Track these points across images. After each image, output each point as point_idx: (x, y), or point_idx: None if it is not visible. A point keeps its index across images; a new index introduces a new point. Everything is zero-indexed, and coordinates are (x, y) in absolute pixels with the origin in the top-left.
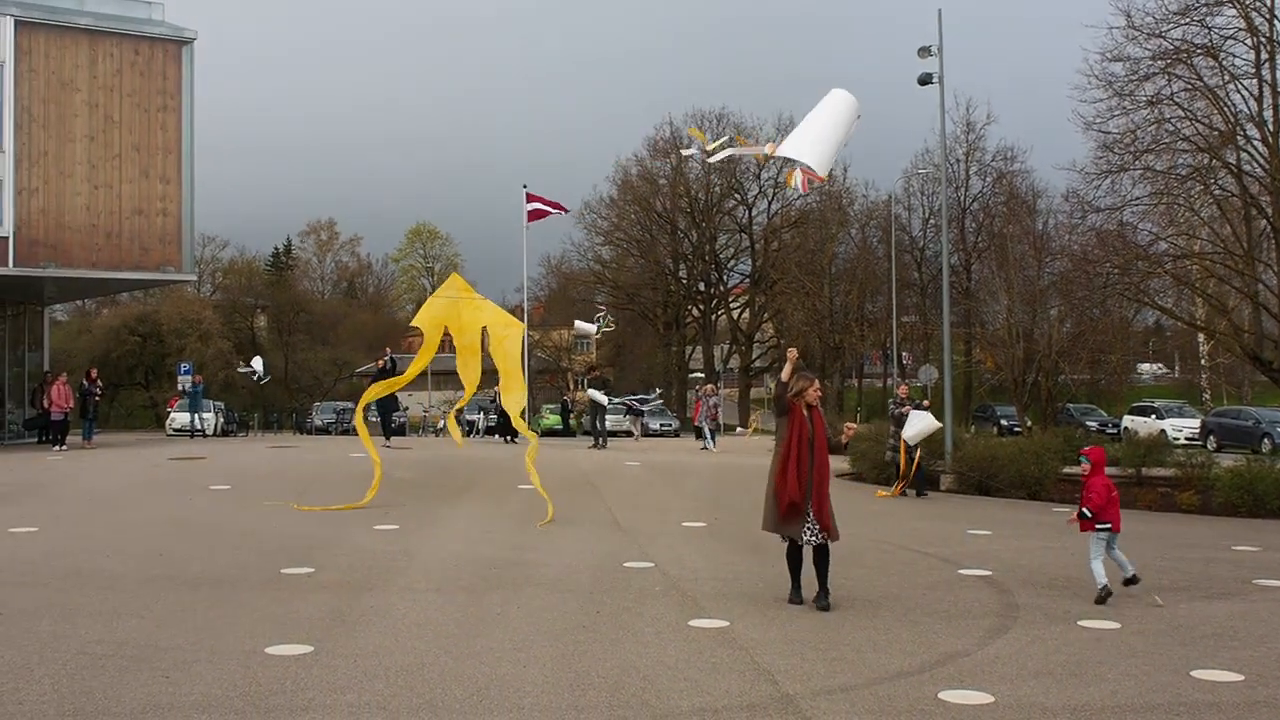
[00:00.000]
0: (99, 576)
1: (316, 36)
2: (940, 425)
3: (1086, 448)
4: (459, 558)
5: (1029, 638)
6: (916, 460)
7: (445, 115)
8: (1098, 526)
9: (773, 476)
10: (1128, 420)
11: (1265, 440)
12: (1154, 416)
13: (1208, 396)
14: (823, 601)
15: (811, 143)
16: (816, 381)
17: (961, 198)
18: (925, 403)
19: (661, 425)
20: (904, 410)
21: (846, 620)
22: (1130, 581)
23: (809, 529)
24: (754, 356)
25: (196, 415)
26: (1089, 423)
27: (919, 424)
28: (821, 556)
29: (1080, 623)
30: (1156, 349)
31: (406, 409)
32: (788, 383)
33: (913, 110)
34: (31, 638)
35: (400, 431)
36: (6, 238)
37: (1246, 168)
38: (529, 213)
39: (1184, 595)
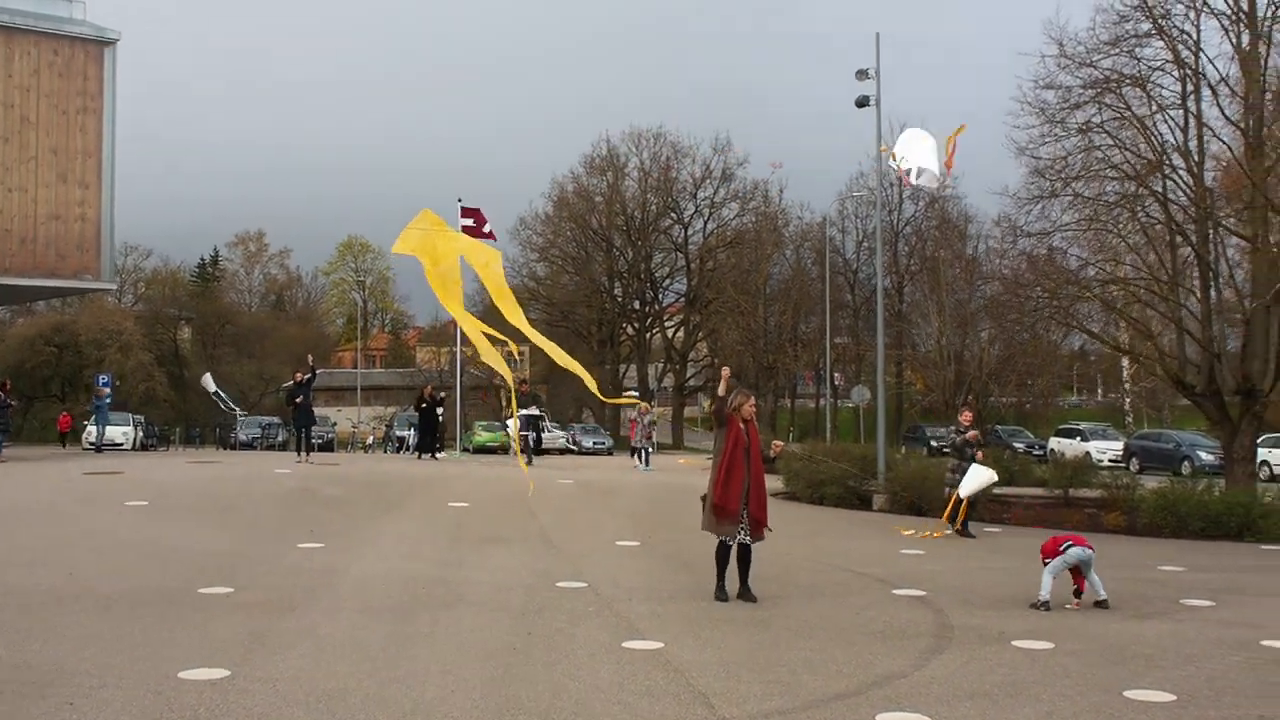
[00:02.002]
0: (3, 595)
1: (240, 42)
2: (996, 479)
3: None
4: (386, 576)
5: (964, 658)
6: (966, 502)
7: (380, 127)
8: (1061, 547)
9: (712, 482)
10: (1054, 442)
11: (1185, 463)
12: (1079, 438)
13: (1130, 420)
14: (748, 595)
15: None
16: (753, 397)
17: (895, 221)
18: (979, 454)
19: (595, 443)
20: (967, 438)
21: (781, 640)
22: (1101, 604)
23: (742, 529)
24: (688, 375)
25: (102, 429)
26: (1016, 444)
27: (976, 479)
28: (745, 555)
29: (1014, 643)
30: (1080, 373)
31: (335, 424)
32: (725, 397)
33: (848, 134)
34: None
35: (328, 447)
36: None
37: (1172, 196)
38: (463, 228)
39: (1115, 615)
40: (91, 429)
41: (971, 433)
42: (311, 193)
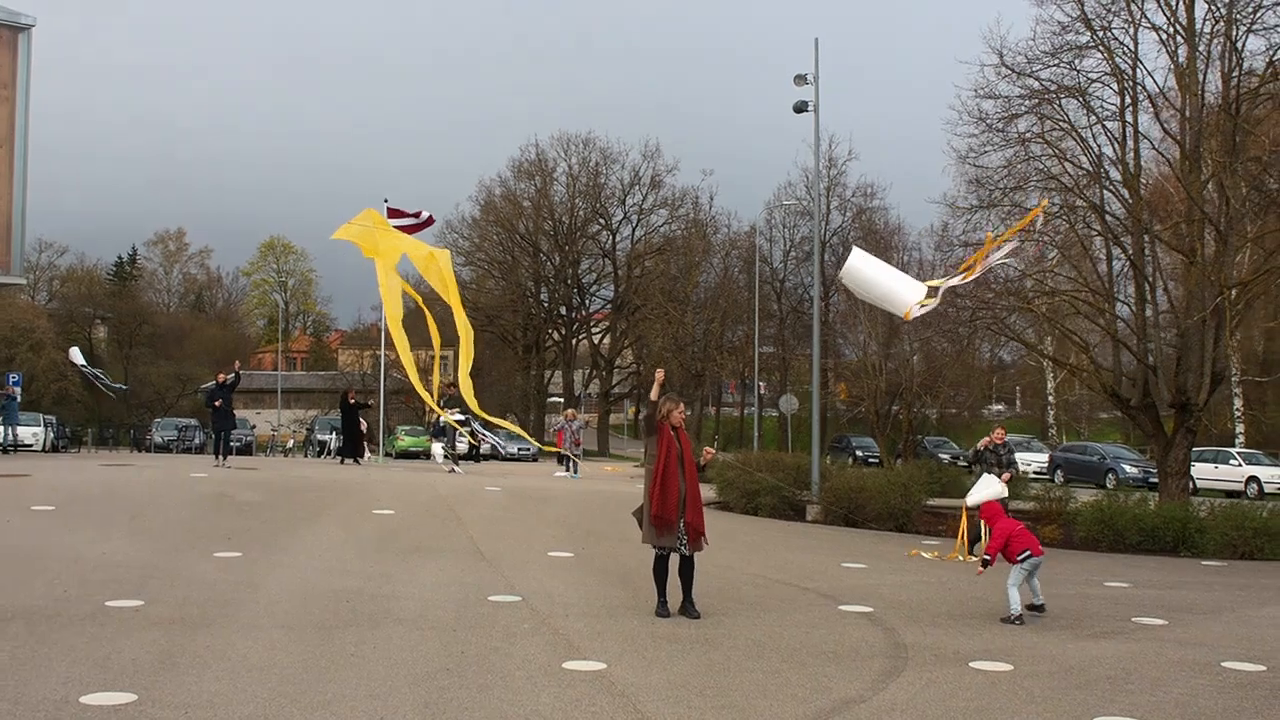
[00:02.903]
0: None
1: (161, 37)
2: (1005, 493)
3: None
4: (308, 589)
5: (923, 681)
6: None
7: (302, 128)
8: (1019, 557)
9: (648, 492)
10: None
11: (1109, 475)
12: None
13: (1054, 432)
14: (691, 611)
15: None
16: (682, 404)
17: (822, 231)
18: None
19: (520, 449)
20: (1005, 454)
21: (732, 662)
22: (1037, 609)
23: (680, 540)
24: (614, 382)
25: (11, 429)
26: (941, 455)
27: (985, 490)
28: (687, 567)
29: (972, 664)
30: (999, 386)
31: (254, 427)
32: (657, 402)
33: (777, 143)
34: None
35: (246, 451)
36: None
37: (1110, 208)
38: (398, 229)
39: (1069, 634)
40: None
41: (999, 432)
42: (234, 192)
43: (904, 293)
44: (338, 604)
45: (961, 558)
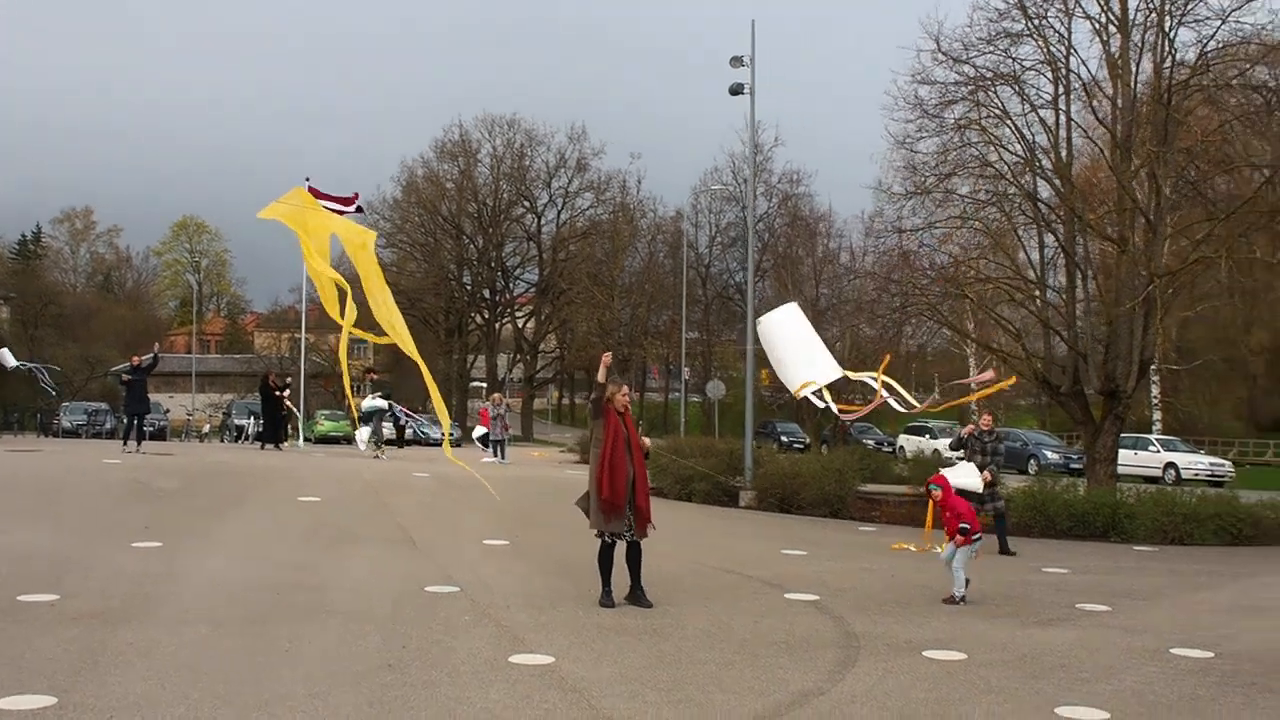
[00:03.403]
0: None
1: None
2: (980, 489)
3: (933, 476)
4: (235, 581)
5: (879, 671)
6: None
7: (221, 103)
8: (973, 538)
9: (594, 478)
10: (903, 439)
11: (1032, 461)
12: (928, 436)
13: (974, 418)
14: (642, 599)
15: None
16: (626, 387)
17: (749, 217)
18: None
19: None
20: (990, 443)
21: (683, 653)
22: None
23: (628, 525)
24: (539, 367)
25: None
26: (866, 441)
27: (965, 479)
28: (634, 553)
29: (925, 653)
30: (917, 374)
31: (168, 411)
32: (604, 385)
33: (703, 129)
34: None
35: (160, 436)
36: None
37: (1042, 195)
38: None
39: (1016, 621)
40: None
41: (985, 418)
42: (144, 169)
43: (803, 367)
44: (267, 596)
45: (939, 549)
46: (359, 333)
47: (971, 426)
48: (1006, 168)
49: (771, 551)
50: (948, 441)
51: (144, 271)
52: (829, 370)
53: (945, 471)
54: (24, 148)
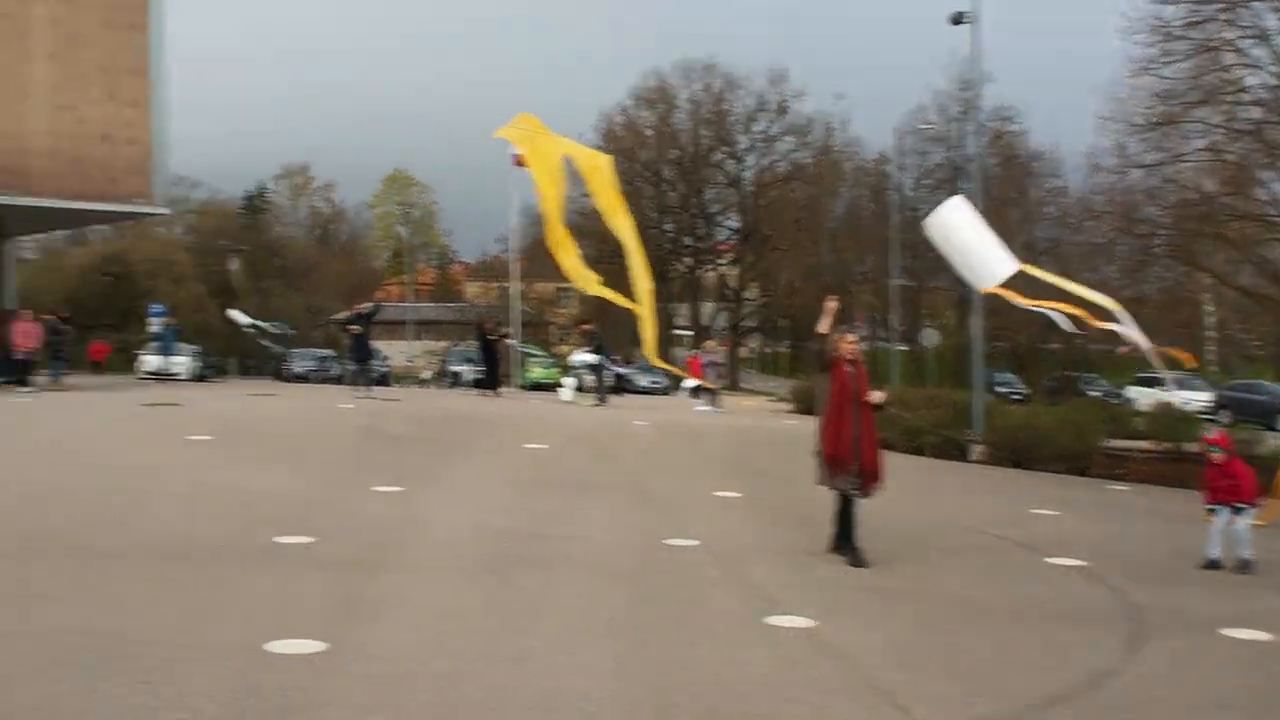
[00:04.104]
0: (64, 542)
1: None
2: None
3: (1211, 436)
4: (475, 529)
5: (1176, 650)
6: None
7: (424, 60)
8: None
9: (820, 433)
10: (1132, 390)
11: None
12: (1160, 387)
13: (1215, 369)
14: (856, 558)
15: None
16: (851, 335)
17: (960, 156)
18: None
19: (651, 382)
20: None
21: (948, 620)
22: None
23: (854, 483)
24: (743, 315)
25: (167, 359)
26: (1092, 392)
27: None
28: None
29: (1223, 631)
30: (1140, 320)
31: (387, 358)
32: (827, 336)
33: (905, 65)
34: None
35: (383, 382)
36: None
37: None
38: (515, 156)
39: None
40: (149, 358)
41: None
42: (357, 127)
43: (990, 260)
44: (507, 545)
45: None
46: (607, 292)
47: None
48: (1265, 93)
49: (1018, 510)
50: (1181, 394)
51: (358, 224)
52: (1008, 263)
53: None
54: (249, 105)
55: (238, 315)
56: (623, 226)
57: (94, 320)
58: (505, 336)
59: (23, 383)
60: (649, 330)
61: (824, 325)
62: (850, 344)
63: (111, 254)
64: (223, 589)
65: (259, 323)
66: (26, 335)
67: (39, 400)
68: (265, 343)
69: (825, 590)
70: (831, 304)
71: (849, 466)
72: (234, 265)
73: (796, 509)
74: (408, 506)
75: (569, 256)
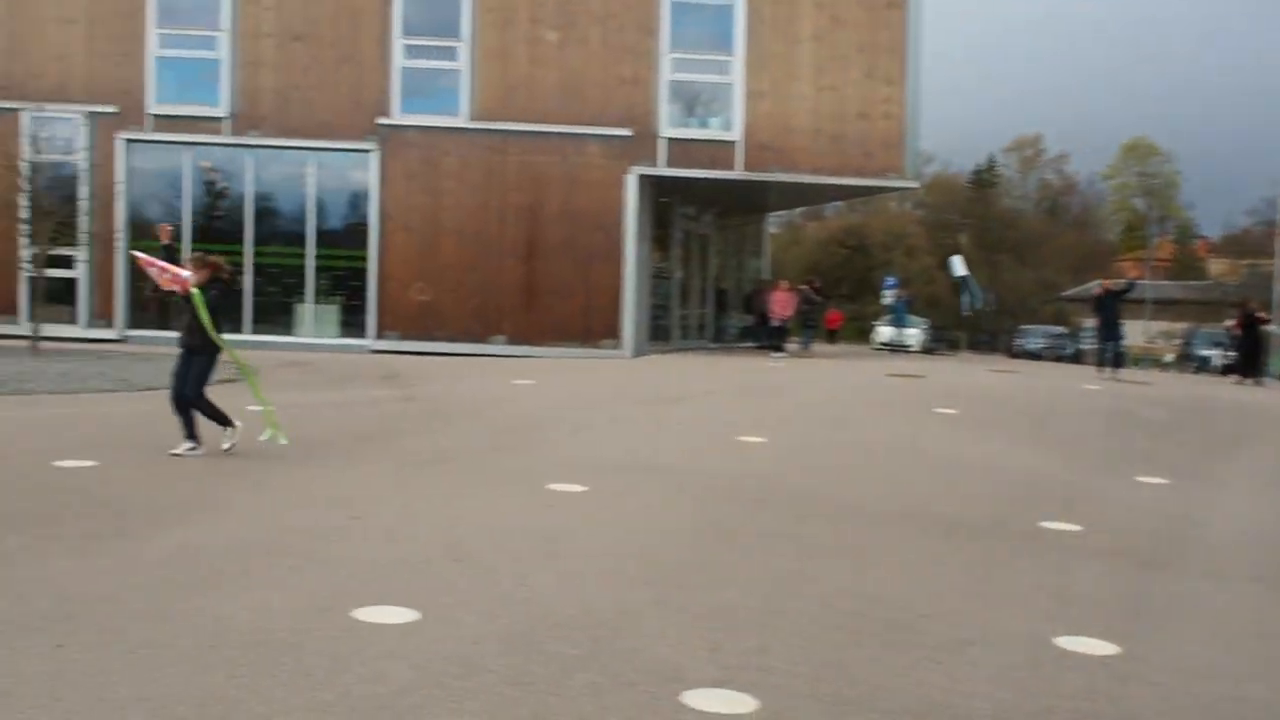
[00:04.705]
0: (828, 504)
1: None
2: None
3: None
4: (1266, 533)
5: None
6: None
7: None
8: None
9: None
10: None
11: None
12: None
13: None
14: None
15: None
16: None
17: None
18: None
19: None
20: None
21: None
22: None
23: None
24: None
25: (899, 330)
26: None
27: None
28: None
29: None
30: None
31: (1124, 338)
32: None
33: None
34: (772, 572)
35: (1119, 362)
36: (735, 142)
37: None
38: None
39: None
40: (882, 329)
41: None
42: (1089, 97)
43: None
44: None
45: None
46: None
47: None
48: None
49: None
50: None
51: (1090, 196)
52: None
53: None
54: (983, 79)
55: (957, 262)
56: None
57: (831, 291)
58: (1264, 321)
59: (777, 348)
60: None
61: None
62: None
63: (849, 227)
64: (994, 570)
65: (970, 280)
66: (784, 304)
67: (791, 366)
68: (964, 298)
69: None
70: None
71: None
72: (956, 262)
73: None
74: (1177, 502)
75: None
